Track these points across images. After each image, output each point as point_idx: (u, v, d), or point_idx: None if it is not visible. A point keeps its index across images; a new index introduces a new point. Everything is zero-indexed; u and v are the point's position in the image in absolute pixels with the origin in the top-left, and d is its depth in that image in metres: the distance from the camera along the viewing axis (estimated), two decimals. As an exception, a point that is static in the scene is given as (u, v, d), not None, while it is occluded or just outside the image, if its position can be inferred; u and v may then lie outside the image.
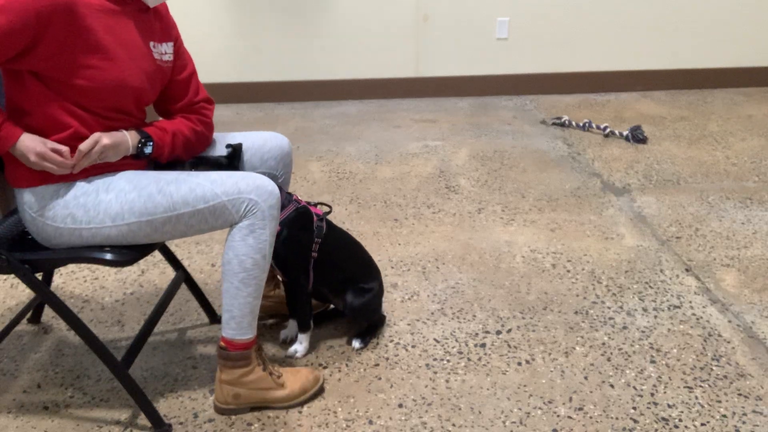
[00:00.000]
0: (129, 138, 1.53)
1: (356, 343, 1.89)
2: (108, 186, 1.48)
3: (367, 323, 1.94)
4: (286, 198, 1.77)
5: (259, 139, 1.77)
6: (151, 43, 1.57)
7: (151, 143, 1.56)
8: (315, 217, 1.80)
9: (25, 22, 1.31)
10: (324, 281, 1.85)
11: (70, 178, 1.47)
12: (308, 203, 1.83)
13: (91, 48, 1.42)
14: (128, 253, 1.51)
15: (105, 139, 1.47)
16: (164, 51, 1.61)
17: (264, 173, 1.79)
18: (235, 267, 1.51)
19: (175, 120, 1.67)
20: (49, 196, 1.47)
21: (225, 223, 1.50)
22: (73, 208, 1.46)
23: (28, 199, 1.48)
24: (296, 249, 1.77)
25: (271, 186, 1.51)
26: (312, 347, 1.88)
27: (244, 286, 1.53)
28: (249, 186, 1.48)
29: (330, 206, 1.93)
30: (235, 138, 1.76)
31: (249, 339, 1.58)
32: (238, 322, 1.55)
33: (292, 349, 1.85)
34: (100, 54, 1.43)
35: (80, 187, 1.48)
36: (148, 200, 1.46)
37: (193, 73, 1.72)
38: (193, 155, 1.69)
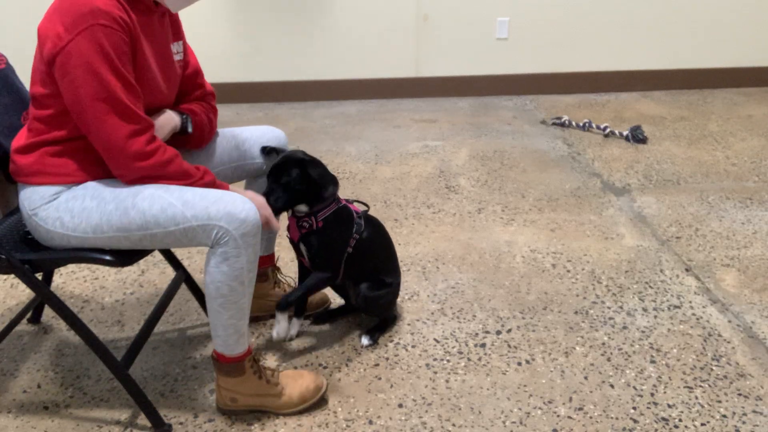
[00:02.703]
0: (171, 114, 1.60)
1: (365, 340, 1.89)
2: (94, 192, 1.47)
3: (379, 318, 1.94)
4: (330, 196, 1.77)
5: (257, 131, 1.83)
6: (171, 45, 1.60)
7: (190, 118, 1.63)
8: (354, 215, 1.81)
9: (128, 57, 1.41)
10: (351, 272, 1.85)
11: (77, 180, 1.48)
12: (347, 201, 1.83)
13: (140, 61, 1.47)
14: (127, 253, 1.51)
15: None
16: (177, 50, 1.64)
17: (263, 164, 1.82)
18: (212, 292, 1.48)
19: (192, 104, 1.72)
20: (48, 196, 1.47)
21: (201, 244, 1.46)
22: (62, 212, 1.46)
23: (28, 195, 1.48)
24: (332, 246, 1.77)
25: (245, 213, 1.42)
26: (312, 347, 1.88)
27: (223, 310, 1.50)
28: (219, 212, 1.41)
29: (367, 205, 1.93)
30: (235, 132, 1.82)
31: (239, 353, 1.56)
32: (224, 340, 1.54)
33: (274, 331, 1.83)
34: (146, 65, 1.48)
35: (74, 190, 1.48)
36: (123, 215, 1.43)
37: (198, 67, 1.75)
38: (207, 141, 1.75)
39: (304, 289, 1.82)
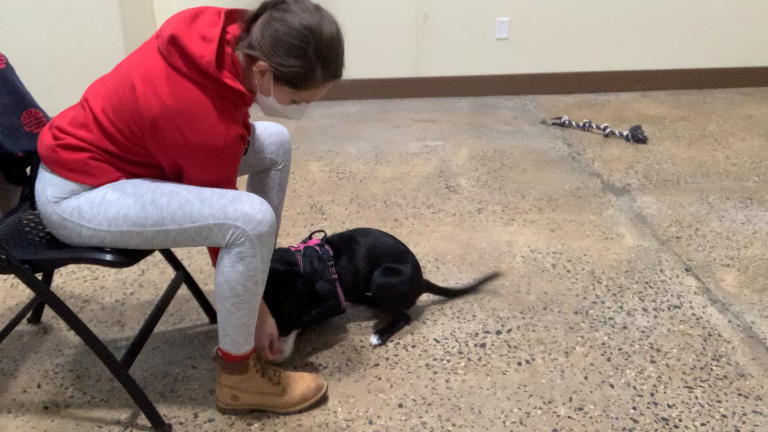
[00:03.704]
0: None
1: (374, 339, 1.89)
2: (116, 186, 1.47)
3: (392, 314, 1.96)
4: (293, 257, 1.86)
5: (260, 126, 1.83)
6: None
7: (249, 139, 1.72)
8: (318, 250, 1.88)
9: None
10: (361, 286, 1.90)
11: (112, 181, 1.49)
12: (303, 243, 1.92)
13: None
14: (128, 253, 1.51)
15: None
16: None
17: (266, 158, 1.83)
18: (226, 291, 1.47)
19: None
20: (78, 191, 1.47)
21: (214, 244, 1.46)
22: (83, 201, 1.46)
23: (56, 183, 1.47)
24: (317, 290, 1.84)
25: (261, 214, 1.43)
26: (312, 347, 1.88)
27: (236, 309, 1.49)
28: (236, 212, 1.42)
29: (324, 231, 2.00)
30: None
31: (245, 352, 1.57)
32: (233, 339, 1.54)
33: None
34: None
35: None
36: (141, 210, 1.44)
37: None
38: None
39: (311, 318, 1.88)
